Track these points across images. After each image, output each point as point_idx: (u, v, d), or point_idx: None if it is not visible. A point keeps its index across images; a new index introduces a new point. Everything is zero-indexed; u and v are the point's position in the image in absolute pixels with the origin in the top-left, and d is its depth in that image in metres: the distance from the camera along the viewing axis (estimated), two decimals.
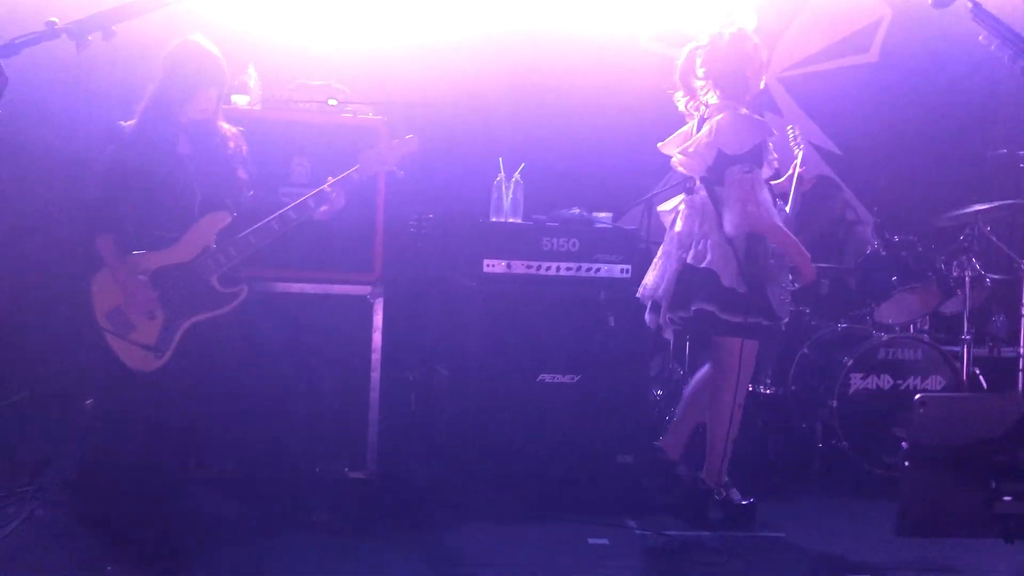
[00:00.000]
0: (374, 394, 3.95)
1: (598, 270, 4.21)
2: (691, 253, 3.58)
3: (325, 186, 3.44)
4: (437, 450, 4.28)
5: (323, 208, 3.45)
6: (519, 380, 4.10)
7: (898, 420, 4.14)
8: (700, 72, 3.66)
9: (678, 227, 3.71)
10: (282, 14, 4.79)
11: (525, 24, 5.11)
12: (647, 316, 3.82)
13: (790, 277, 3.84)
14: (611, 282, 4.21)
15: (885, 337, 4.37)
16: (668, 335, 3.79)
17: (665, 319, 3.67)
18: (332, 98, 4.02)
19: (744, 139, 3.50)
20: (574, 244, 4.21)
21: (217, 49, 3.43)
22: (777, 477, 4.27)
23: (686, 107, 3.75)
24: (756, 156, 3.52)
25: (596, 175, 5.08)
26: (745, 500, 3.68)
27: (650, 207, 4.84)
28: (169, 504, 3.39)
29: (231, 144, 3.50)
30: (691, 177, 3.69)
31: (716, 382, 3.71)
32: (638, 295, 3.85)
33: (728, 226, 3.51)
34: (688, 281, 3.59)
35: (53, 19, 2.10)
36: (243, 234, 3.37)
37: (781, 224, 3.58)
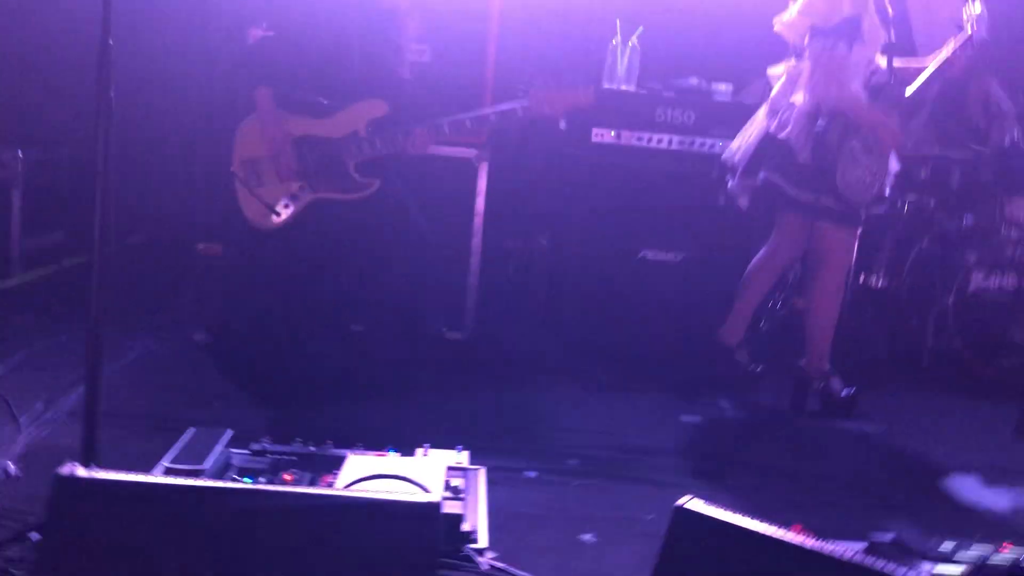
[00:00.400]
0: (475, 259, 3.97)
1: (713, 146, 4.04)
2: (775, 121, 3.47)
3: (488, 112, 3.39)
4: (534, 318, 4.29)
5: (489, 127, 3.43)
6: (620, 255, 4.03)
7: (1020, 322, 3.93)
8: None
9: (773, 92, 3.59)
10: None
11: None
12: (727, 180, 3.68)
13: (891, 164, 3.54)
14: (726, 160, 4.03)
15: (1015, 234, 4.11)
16: (743, 203, 3.65)
17: (737, 185, 3.58)
18: None
19: (832, 11, 3.33)
20: (689, 116, 4.03)
21: None
22: (882, 372, 4.13)
23: None
24: (846, 31, 3.31)
25: (718, 44, 4.80)
26: (846, 390, 3.59)
27: (773, 81, 4.59)
28: (279, 354, 3.51)
29: (405, 28, 3.45)
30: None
31: (813, 268, 3.64)
32: (723, 157, 3.71)
33: (805, 101, 3.41)
34: (765, 150, 3.49)
35: None
36: (393, 130, 3.33)
37: (858, 98, 3.37)
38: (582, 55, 4.40)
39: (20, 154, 4.02)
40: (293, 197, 3.35)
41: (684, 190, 4.01)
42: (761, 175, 3.49)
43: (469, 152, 3.91)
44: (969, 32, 3.52)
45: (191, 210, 4.47)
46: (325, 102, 3.35)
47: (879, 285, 4.48)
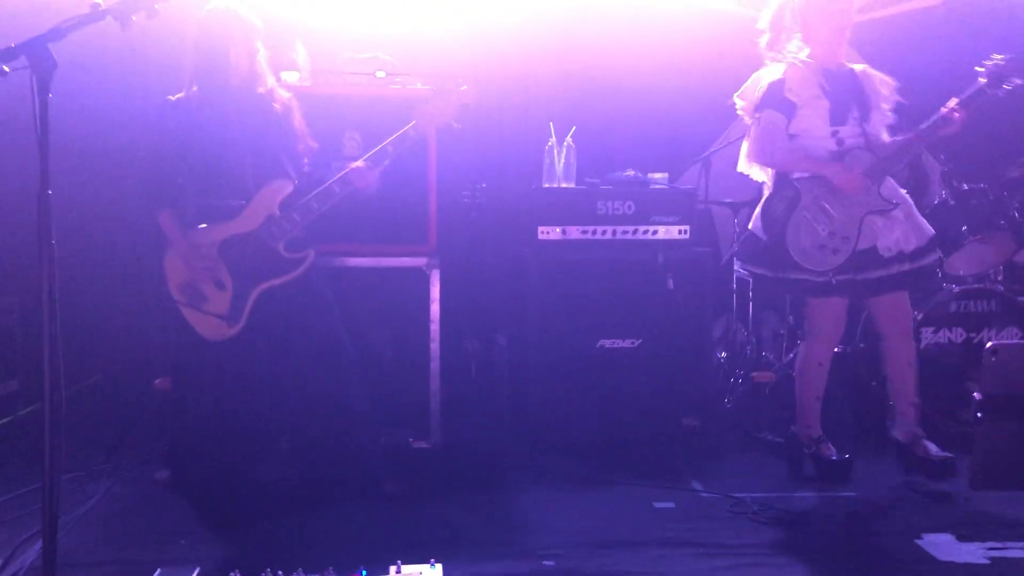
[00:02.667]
0: (434, 364, 3.97)
1: (655, 232, 4.15)
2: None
3: (384, 144, 3.43)
4: (499, 418, 4.29)
5: (384, 164, 3.44)
6: (579, 346, 4.07)
7: (972, 374, 4.01)
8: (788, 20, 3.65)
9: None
10: None
11: None
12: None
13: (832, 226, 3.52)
14: (669, 244, 4.15)
15: (956, 289, 4.23)
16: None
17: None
18: (380, 70, 4.01)
19: (753, 86, 3.61)
20: (629, 207, 4.15)
21: (247, 11, 3.42)
22: (847, 435, 4.17)
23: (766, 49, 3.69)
24: (769, 99, 3.54)
25: (650, 135, 4.99)
26: (839, 455, 3.69)
27: (707, 166, 4.75)
28: (240, 476, 3.46)
29: (283, 111, 3.48)
30: None
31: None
32: None
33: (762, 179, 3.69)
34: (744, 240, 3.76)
35: (97, 1, 2.11)
36: (305, 199, 3.39)
37: (795, 150, 3.53)
38: (520, 159, 4.55)
39: None
40: (239, 298, 3.36)
41: (633, 277, 4.09)
42: (736, 266, 3.70)
43: (419, 260, 3.96)
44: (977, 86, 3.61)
45: (147, 344, 4.45)
46: (234, 203, 3.38)
47: (835, 350, 4.56)
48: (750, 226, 3.74)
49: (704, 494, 3.54)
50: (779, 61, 3.61)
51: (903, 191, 3.67)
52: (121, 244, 4.55)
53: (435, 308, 3.97)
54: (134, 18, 2.14)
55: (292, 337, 3.44)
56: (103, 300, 4.62)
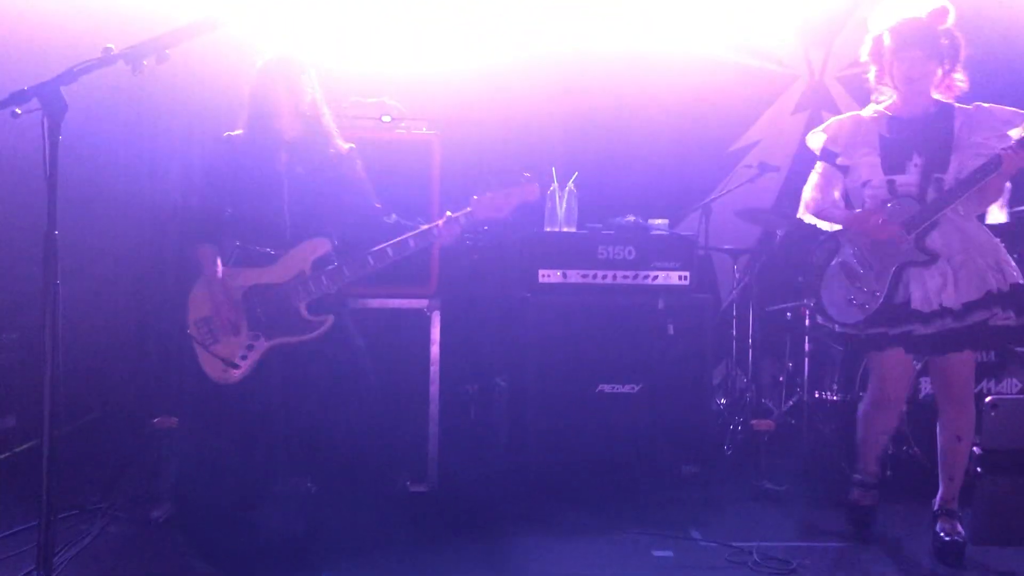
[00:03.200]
0: (433, 407, 3.97)
1: (655, 278, 4.17)
2: None
3: (430, 226, 3.42)
4: (498, 462, 4.27)
5: (427, 244, 3.45)
6: (578, 391, 4.06)
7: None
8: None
9: None
10: (334, 39, 4.86)
11: (575, 40, 5.11)
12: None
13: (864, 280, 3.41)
14: (669, 289, 4.16)
15: None
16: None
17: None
18: (386, 114, 4.06)
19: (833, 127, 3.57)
20: (630, 252, 4.17)
21: (303, 60, 3.47)
22: (847, 484, 4.14)
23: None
24: (822, 151, 3.56)
25: (651, 182, 5.05)
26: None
27: (707, 212, 4.79)
28: (238, 519, 3.44)
29: (341, 165, 3.49)
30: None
31: None
32: None
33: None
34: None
35: (109, 46, 2.15)
36: (336, 265, 3.40)
37: (825, 211, 3.53)
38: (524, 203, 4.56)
39: None
40: (249, 348, 3.35)
41: (633, 322, 4.10)
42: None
43: (421, 302, 3.97)
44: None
45: (146, 383, 4.45)
46: (271, 252, 3.40)
47: (834, 398, 4.56)
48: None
49: (703, 543, 3.52)
50: (879, 103, 3.47)
51: (982, 239, 3.33)
52: (123, 283, 4.56)
53: (435, 350, 3.98)
54: (145, 63, 2.17)
55: (301, 390, 3.44)
56: (103, 338, 4.62)
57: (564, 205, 4.23)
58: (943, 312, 3.22)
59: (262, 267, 3.40)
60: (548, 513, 3.81)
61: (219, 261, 3.40)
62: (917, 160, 3.32)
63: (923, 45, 3.27)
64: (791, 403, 4.54)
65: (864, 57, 3.46)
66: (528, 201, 3.45)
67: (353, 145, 3.57)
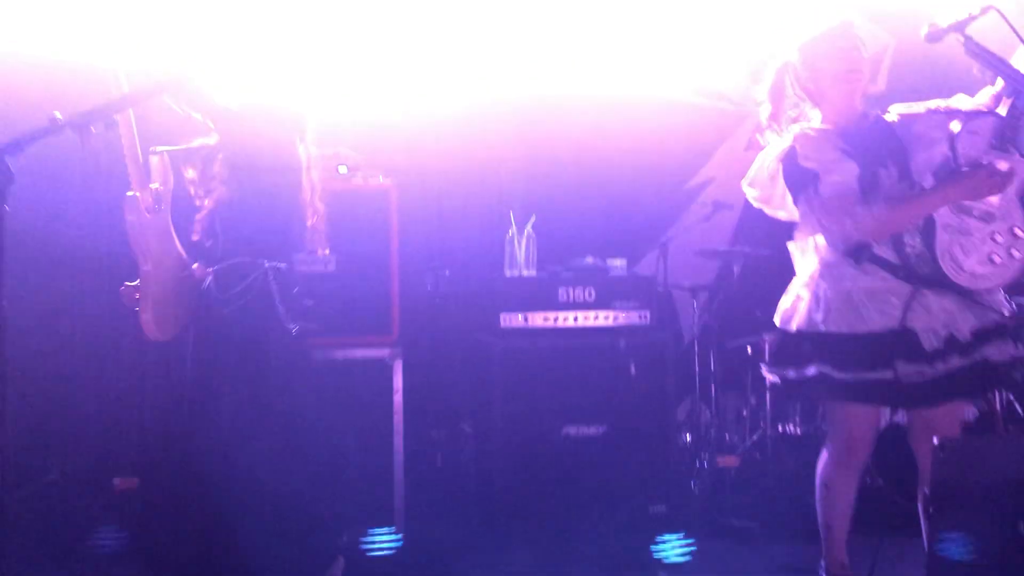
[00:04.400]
0: (398, 457, 3.94)
1: (616, 318, 4.19)
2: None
3: None
4: (465, 509, 4.24)
5: None
6: (544, 434, 4.05)
7: None
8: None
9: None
10: (290, 86, 4.87)
11: (530, 84, 5.17)
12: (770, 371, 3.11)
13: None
14: (631, 329, 4.18)
15: None
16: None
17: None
18: (342, 164, 4.07)
19: (761, 171, 3.08)
20: (590, 293, 4.19)
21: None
22: (810, 517, 4.17)
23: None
24: (791, 180, 2.95)
25: (609, 222, 5.10)
26: None
27: (665, 251, 4.84)
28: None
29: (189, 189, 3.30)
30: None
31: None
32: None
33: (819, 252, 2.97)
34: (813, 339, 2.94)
35: (56, 114, 2.15)
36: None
37: (892, 207, 2.81)
38: (482, 246, 4.61)
39: None
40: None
41: (596, 363, 4.11)
42: (811, 369, 2.87)
43: (382, 351, 3.97)
44: None
45: (106, 444, 4.38)
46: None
47: (797, 432, 4.60)
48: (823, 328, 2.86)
49: None
50: (781, 133, 3.05)
51: None
52: (79, 340, 4.50)
53: (398, 399, 3.96)
54: (93, 130, 2.17)
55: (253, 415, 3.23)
56: (61, 398, 4.55)
57: (523, 248, 4.26)
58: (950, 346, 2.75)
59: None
60: (518, 559, 3.79)
61: None
62: (891, 169, 2.89)
63: (849, 38, 2.96)
64: (755, 438, 4.57)
65: (762, 97, 3.14)
66: None
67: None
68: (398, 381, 3.95)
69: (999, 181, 2.72)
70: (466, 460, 4.45)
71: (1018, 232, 2.77)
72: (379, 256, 3.98)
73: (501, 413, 4.07)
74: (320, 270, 3.83)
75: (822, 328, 2.84)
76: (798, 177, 2.90)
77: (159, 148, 3.14)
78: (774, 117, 3.10)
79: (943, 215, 2.78)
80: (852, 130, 2.95)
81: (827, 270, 2.90)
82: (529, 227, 4.28)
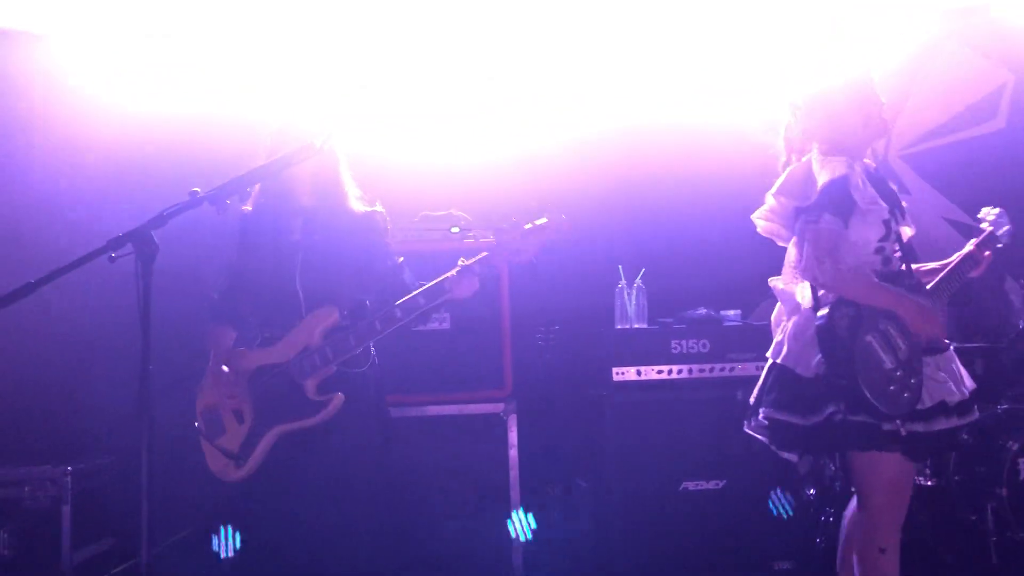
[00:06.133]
0: (515, 511, 3.95)
1: (732, 369, 4.13)
2: (773, 344, 2.85)
3: (440, 279, 3.01)
4: (583, 566, 4.20)
5: (441, 300, 3.00)
6: (662, 489, 4.00)
7: None
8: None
9: (773, 314, 2.99)
10: (397, 140, 5.01)
11: (637, 134, 5.18)
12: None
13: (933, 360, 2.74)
14: (748, 380, 4.04)
15: None
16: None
17: (752, 427, 2.90)
18: (454, 225, 4.18)
19: (808, 182, 2.77)
20: (704, 345, 4.15)
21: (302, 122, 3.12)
22: (940, 571, 3.97)
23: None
24: (830, 199, 2.68)
25: (720, 271, 5.03)
26: None
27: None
28: None
29: (363, 230, 3.13)
30: None
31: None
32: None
33: (797, 296, 2.81)
34: (766, 381, 2.86)
35: (196, 189, 2.30)
36: (343, 333, 2.96)
37: (862, 276, 2.70)
38: (592, 300, 4.61)
39: (69, 469, 4.16)
40: (254, 437, 2.93)
41: (713, 416, 4.04)
42: (761, 412, 2.81)
43: (496, 406, 4.01)
44: (989, 230, 3.22)
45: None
46: (274, 334, 3.04)
47: (927, 483, 4.39)
48: (779, 360, 2.79)
49: None
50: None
51: None
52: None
53: (513, 454, 3.99)
54: (228, 202, 2.31)
55: (309, 486, 2.95)
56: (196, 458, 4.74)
57: (634, 302, 4.26)
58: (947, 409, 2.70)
59: (269, 347, 3.02)
60: None
61: (227, 345, 3.08)
62: (902, 219, 2.84)
63: (870, 86, 2.90)
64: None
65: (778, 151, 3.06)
66: (554, 239, 3.01)
67: (381, 209, 3.22)
68: (513, 436, 3.98)
69: (936, 336, 2.71)
70: (583, 515, 4.42)
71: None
72: (491, 313, 4.05)
73: (616, 467, 4.04)
74: (435, 327, 3.93)
75: None
76: (840, 200, 2.68)
77: None
78: (788, 165, 3.00)
79: None
80: (871, 172, 2.87)
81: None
82: (639, 280, 4.28)
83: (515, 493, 3.97)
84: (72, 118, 4.81)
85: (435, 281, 3.00)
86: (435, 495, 3.96)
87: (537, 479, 4.41)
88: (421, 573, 3.84)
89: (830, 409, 2.63)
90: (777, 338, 2.86)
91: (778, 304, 2.98)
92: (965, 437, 4.13)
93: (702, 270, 5.00)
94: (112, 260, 2.12)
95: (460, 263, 3.01)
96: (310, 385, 2.94)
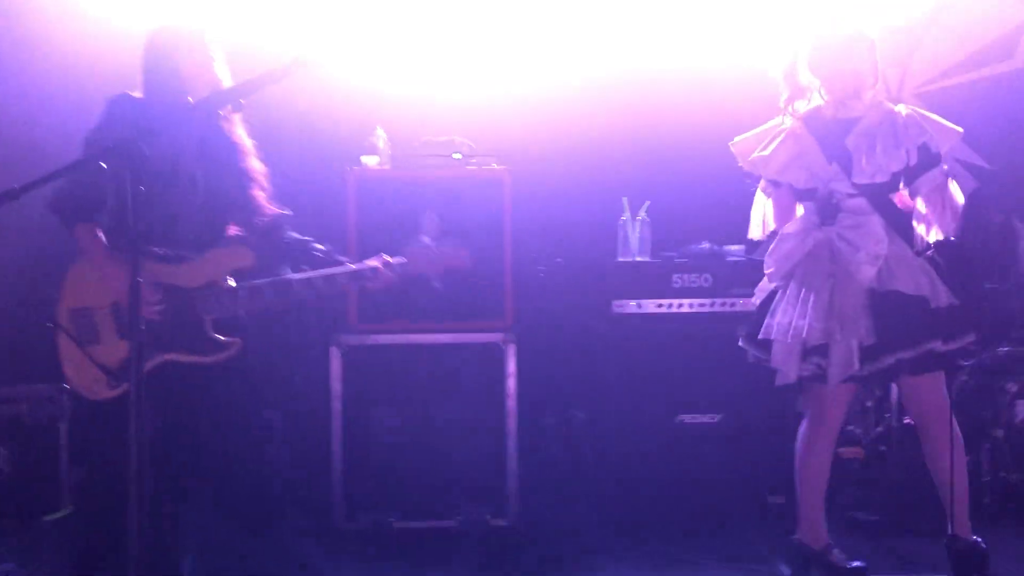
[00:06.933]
0: (511, 441, 3.96)
1: (733, 304, 4.10)
2: (874, 274, 3.06)
3: (362, 266, 2.97)
4: (578, 495, 4.23)
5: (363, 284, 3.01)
6: (658, 421, 4.02)
7: None
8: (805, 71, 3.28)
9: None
10: (403, 70, 4.91)
11: (640, 60, 5.07)
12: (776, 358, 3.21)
13: None
14: (748, 316, 4.06)
15: None
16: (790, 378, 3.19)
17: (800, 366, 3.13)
18: (456, 151, 4.11)
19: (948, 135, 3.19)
20: (706, 279, 4.11)
21: (202, 26, 2.94)
22: (936, 511, 3.99)
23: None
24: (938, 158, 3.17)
25: (725, 208, 4.95)
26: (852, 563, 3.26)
27: None
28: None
29: (246, 155, 2.95)
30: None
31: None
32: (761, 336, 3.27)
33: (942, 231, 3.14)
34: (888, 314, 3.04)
35: (188, 98, 2.23)
36: (261, 282, 2.84)
37: None
38: (595, 232, 4.56)
39: (66, 387, 4.16)
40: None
41: (711, 351, 4.02)
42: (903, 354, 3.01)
43: (495, 336, 3.99)
44: None
45: None
46: (176, 253, 2.82)
47: None
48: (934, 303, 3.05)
49: None
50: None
51: None
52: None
53: (511, 383, 3.98)
54: (222, 113, 2.23)
55: (186, 422, 2.84)
56: None
57: (637, 234, 4.21)
58: None
59: (169, 264, 2.79)
60: (631, 546, 3.76)
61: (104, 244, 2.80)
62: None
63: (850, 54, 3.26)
64: (879, 430, 4.39)
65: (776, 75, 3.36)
66: (457, 268, 3.11)
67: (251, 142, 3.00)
68: (511, 366, 3.97)
69: None
70: (580, 446, 4.43)
71: None
72: (493, 242, 4.00)
73: (614, 400, 4.05)
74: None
75: None
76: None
77: None
78: (791, 100, 3.31)
79: None
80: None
81: None
82: (643, 212, 4.23)
83: (512, 422, 3.97)
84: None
85: (361, 266, 2.97)
86: (432, 423, 3.96)
87: (534, 410, 4.41)
88: (417, 500, 3.87)
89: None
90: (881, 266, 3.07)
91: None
92: (965, 378, 4.15)
93: (708, 205, 4.92)
94: (104, 169, 2.07)
95: (384, 258, 2.97)
96: (208, 321, 2.80)
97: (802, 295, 3.13)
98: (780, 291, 3.22)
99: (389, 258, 2.97)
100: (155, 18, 3.17)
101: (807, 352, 3.11)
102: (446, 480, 3.91)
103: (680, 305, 4.09)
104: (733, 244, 4.28)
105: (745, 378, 3.99)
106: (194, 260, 2.81)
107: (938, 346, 3.01)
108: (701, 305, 4.09)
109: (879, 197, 3.14)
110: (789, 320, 3.13)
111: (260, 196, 2.94)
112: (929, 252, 3.11)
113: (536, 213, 4.37)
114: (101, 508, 2.77)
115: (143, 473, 2.04)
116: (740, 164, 3.44)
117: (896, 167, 3.11)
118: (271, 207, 2.98)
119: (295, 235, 3.06)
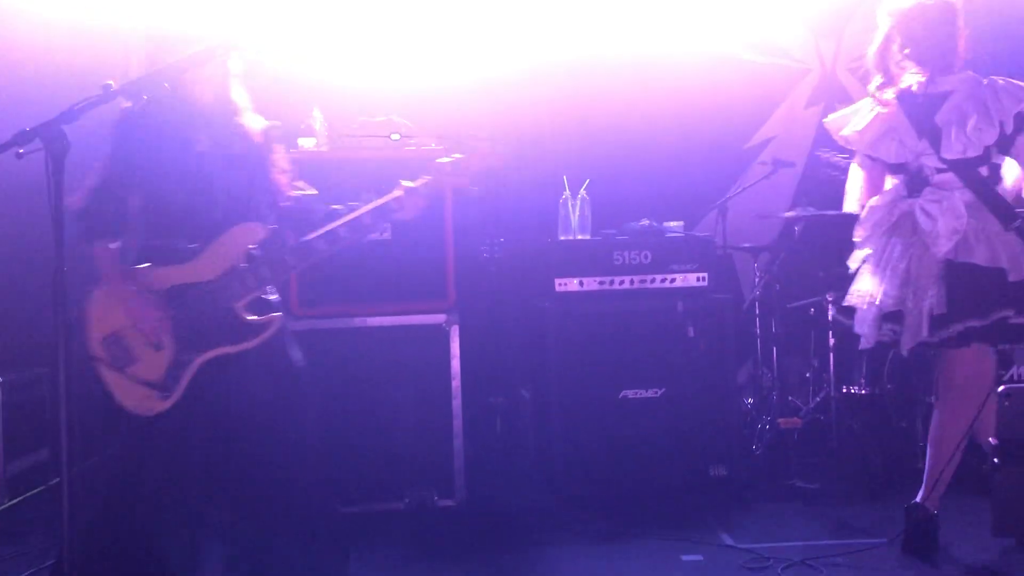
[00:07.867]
0: (457, 422, 3.97)
1: (673, 280, 4.15)
2: (950, 247, 3.14)
3: (386, 199, 2.82)
4: (524, 473, 4.27)
5: (383, 224, 2.91)
6: (602, 398, 4.05)
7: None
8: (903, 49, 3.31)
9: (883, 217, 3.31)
10: (342, 56, 4.88)
11: (580, 46, 5.10)
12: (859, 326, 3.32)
13: None
14: (688, 292, 4.14)
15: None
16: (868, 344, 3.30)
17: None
18: (395, 132, 4.08)
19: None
20: (646, 256, 4.15)
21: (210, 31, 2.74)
22: (878, 479, 4.10)
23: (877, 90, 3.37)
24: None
25: (665, 184, 5.01)
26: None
27: (724, 212, 4.76)
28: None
29: (263, 142, 2.89)
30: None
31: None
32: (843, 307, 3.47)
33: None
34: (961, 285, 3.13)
35: (109, 82, 2.19)
36: (280, 252, 2.76)
37: None
38: (536, 212, 4.58)
39: (0, 380, 4.08)
40: (178, 365, 2.67)
41: (653, 326, 4.07)
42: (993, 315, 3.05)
43: (438, 317, 3.98)
44: None
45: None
46: (190, 245, 2.74)
47: (862, 392, 4.50)
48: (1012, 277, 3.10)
49: (733, 546, 3.49)
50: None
51: None
52: None
53: (456, 364, 3.98)
54: (145, 97, 2.20)
55: (240, 415, 2.74)
56: None
57: (577, 213, 4.23)
58: None
59: (181, 263, 2.72)
60: (576, 521, 3.80)
61: (122, 261, 2.76)
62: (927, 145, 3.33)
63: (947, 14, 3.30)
64: (818, 399, 4.48)
65: (870, 66, 3.40)
66: (493, 167, 2.88)
67: (278, 123, 2.96)
68: (455, 347, 3.97)
69: None
70: (525, 424, 4.47)
71: None
72: (434, 223, 3.98)
73: (558, 377, 4.07)
74: (375, 237, 3.86)
75: None
76: None
77: None
78: (886, 85, 3.32)
79: None
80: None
81: None
82: (583, 191, 4.24)
83: (457, 402, 3.97)
84: None
85: (383, 200, 2.81)
86: (376, 406, 3.95)
87: (479, 390, 4.43)
88: (363, 484, 3.86)
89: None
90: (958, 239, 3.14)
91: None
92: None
93: (647, 183, 4.98)
94: (20, 156, 2.01)
95: (403, 184, 2.81)
96: (240, 307, 2.71)
97: (883, 263, 3.27)
98: (867, 260, 3.36)
99: (410, 183, 2.81)
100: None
101: (884, 318, 3.24)
102: (392, 463, 3.90)
103: (621, 282, 4.13)
104: (672, 220, 4.32)
105: (686, 353, 4.06)
106: (203, 252, 2.73)
107: (1011, 316, 3.04)
108: (642, 281, 4.13)
109: (969, 171, 3.19)
110: (869, 288, 3.28)
111: (282, 179, 2.89)
112: (1018, 223, 3.10)
113: (476, 193, 4.35)
114: (154, 521, 2.71)
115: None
116: (834, 138, 3.49)
117: (990, 140, 3.16)
118: (294, 188, 2.94)
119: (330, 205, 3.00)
